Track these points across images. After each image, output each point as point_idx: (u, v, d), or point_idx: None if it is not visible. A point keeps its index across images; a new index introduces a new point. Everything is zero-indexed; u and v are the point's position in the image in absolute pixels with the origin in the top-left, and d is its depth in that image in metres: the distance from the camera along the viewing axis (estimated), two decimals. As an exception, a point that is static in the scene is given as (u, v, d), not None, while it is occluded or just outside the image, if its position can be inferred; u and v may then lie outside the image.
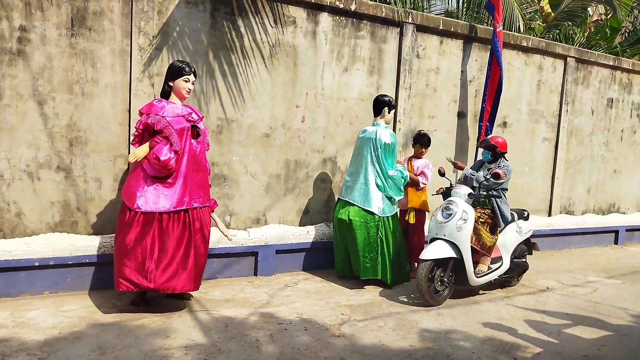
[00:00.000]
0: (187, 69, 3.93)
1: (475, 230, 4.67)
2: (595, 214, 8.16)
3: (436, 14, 7.96)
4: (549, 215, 7.59)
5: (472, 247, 4.60)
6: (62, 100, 4.29)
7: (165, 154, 3.76)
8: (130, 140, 3.89)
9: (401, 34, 5.93)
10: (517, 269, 5.18)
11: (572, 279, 5.75)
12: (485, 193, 4.76)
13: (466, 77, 6.57)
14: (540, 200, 7.51)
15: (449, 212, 4.56)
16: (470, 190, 4.73)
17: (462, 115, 6.61)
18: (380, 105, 5.00)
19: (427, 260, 4.42)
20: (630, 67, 8.18)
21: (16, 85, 4.12)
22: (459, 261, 4.53)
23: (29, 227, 4.28)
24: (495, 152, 4.96)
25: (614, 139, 8.28)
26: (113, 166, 4.53)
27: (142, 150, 3.80)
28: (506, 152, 5.05)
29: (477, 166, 5.19)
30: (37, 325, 3.53)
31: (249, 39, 5.06)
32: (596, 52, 7.91)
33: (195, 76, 4.01)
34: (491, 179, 4.69)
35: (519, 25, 7.59)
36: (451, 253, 4.47)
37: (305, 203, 5.59)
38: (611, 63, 7.94)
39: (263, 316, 3.99)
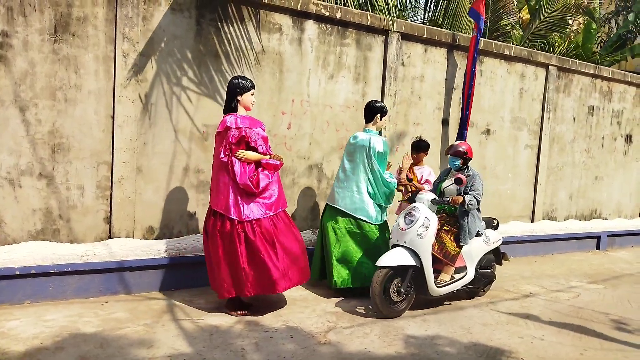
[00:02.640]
0: (252, 84, 4.25)
1: (439, 239, 4.54)
2: (577, 220, 8.28)
3: (420, 23, 8.06)
4: (532, 221, 7.69)
5: (434, 256, 4.48)
6: (45, 106, 4.24)
7: (263, 181, 4.10)
8: (222, 152, 4.08)
9: (386, 42, 5.98)
10: (483, 280, 5.03)
11: (555, 285, 5.82)
12: (449, 199, 4.57)
13: (450, 84, 6.65)
14: (523, 206, 7.61)
15: (411, 219, 4.42)
16: (434, 196, 4.63)
17: (446, 122, 6.68)
18: (373, 111, 4.91)
19: (384, 267, 4.25)
20: (610, 76, 8.36)
21: (-3, 91, 4.06)
22: (419, 270, 4.38)
23: (9, 235, 4.20)
24: (465, 159, 4.78)
25: (595, 146, 8.43)
26: (96, 173, 4.48)
27: (252, 155, 4.08)
28: (472, 158, 4.93)
29: (445, 174, 5.02)
30: (18, 336, 3.46)
31: (234, 46, 5.07)
32: (577, 61, 8.06)
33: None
34: (453, 184, 4.58)
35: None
36: (411, 261, 4.31)
37: (291, 210, 5.58)
38: (591, 71, 8.10)
39: (248, 324, 3.97)
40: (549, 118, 7.66)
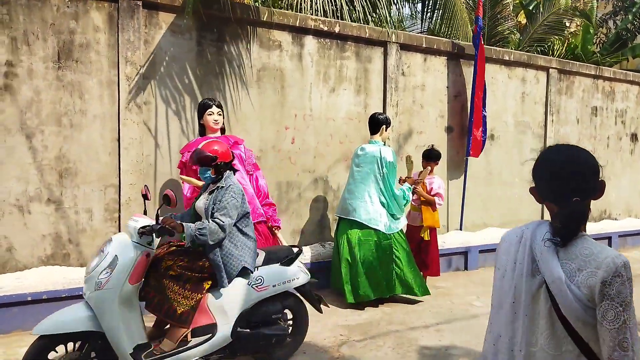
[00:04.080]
0: (209, 103, 4.26)
1: (160, 288, 3.09)
2: (587, 222, 8.20)
3: (418, 32, 8.12)
4: (542, 224, 7.62)
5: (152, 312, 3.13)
6: (51, 132, 4.29)
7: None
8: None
9: (385, 53, 6.02)
10: (261, 342, 3.31)
11: (569, 288, 5.75)
12: (160, 227, 2.99)
13: (452, 92, 6.67)
14: (532, 210, 7.56)
15: (99, 259, 2.99)
16: (146, 222, 3.05)
17: (450, 129, 6.68)
18: (379, 123, 4.99)
19: (42, 335, 2.86)
20: (612, 76, 8.35)
21: (4, 120, 4.11)
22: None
23: (20, 262, 4.23)
24: (217, 166, 3.29)
25: (601, 146, 8.39)
26: (104, 196, 4.51)
27: (190, 179, 4.15)
28: (232, 161, 3.41)
29: (204, 189, 3.53)
30: (31, 362, 3.45)
31: (235, 64, 5.12)
32: (578, 63, 8.07)
33: (219, 107, 4.29)
34: (203, 201, 3.32)
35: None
36: (85, 324, 2.88)
37: (299, 224, 5.59)
38: (593, 72, 8.10)
39: (261, 341, 3.94)
40: (552, 120, 7.65)
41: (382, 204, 4.89)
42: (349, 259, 4.80)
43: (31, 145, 4.22)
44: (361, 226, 4.83)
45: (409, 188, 5.03)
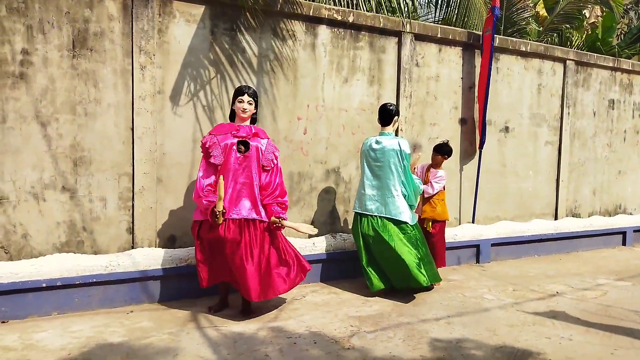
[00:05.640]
0: (242, 90, 4.16)
1: None
2: (602, 216, 8.11)
3: (432, 22, 8.02)
4: (556, 218, 7.56)
5: None
6: (66, 121, 4.32)
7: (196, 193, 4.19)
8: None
9: (400, 43, 5.96)
10: None
11: (582, 283, 5.71)
12: None
13: (466, 83, 6.59)
14: (546, 203, 7.48)
15: None
16: None
17: (464, 121, 6.61)
18: (392, 114, 4.98)
19: None
20: (630, 68, 8.18)
21: (19, 108, 4.15)
22: None
23: (35, 249, 4.28)
24: None
25: (617, 140, 8.26)
26: (118, 184, 4.55)
27: None
28: None
29: None
30: (46, 347, 3.52)
31: (248, 54, 5.10)
32: (595, 54, 7.91)
33: (250, 96, 4.17)
34: None
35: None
36: None
37: (310, 215, 5.59)
38: (611, 64, 7.94)
39: (272, 330, 3.97)
40: (568, 113, 7.53)
41: (405, 196, 4.96)
42: (391, 255, 4.78)
43: (46, 133, 4.26)
44: (392, 221, 4.88)
45: (419, 179, 5.12)
